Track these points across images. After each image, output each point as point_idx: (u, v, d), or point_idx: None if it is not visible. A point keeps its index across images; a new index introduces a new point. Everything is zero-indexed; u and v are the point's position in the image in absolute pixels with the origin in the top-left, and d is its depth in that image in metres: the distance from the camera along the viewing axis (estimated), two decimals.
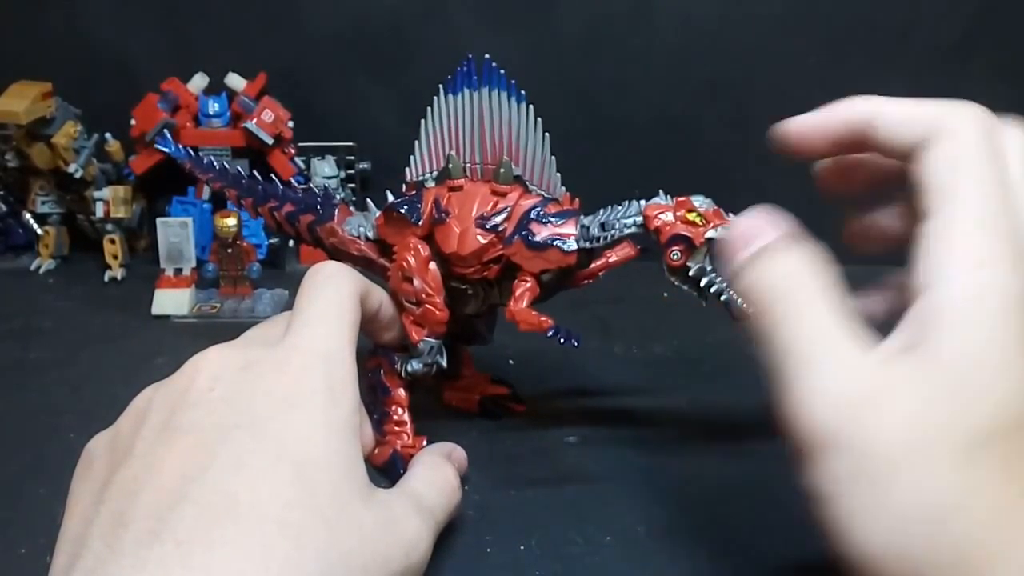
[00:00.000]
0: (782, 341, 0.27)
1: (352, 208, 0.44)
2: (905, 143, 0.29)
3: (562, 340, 0.36)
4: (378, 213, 0.41)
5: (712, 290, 0.36)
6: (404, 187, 0.41)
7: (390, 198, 0.40)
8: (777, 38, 0.69)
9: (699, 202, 0.36)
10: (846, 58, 0.69)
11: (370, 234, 0.42)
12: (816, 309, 0.27)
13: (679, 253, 0.35)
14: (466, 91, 0.37)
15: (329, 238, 0.43)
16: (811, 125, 0.32)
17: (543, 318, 0.36)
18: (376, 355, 0.41)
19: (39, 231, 0.70)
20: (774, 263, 0.29)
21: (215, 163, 0.47)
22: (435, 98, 0.38)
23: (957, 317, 0.25)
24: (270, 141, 0.68)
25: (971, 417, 0.25)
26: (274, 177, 0.46)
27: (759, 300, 0.28)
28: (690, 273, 0.36)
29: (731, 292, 0.35)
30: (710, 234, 0.35)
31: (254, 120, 0.67)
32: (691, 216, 0.36)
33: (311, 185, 0.45)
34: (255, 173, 0.46)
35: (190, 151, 0.48)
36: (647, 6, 0.69)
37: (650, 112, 0.71)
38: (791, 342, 0.27)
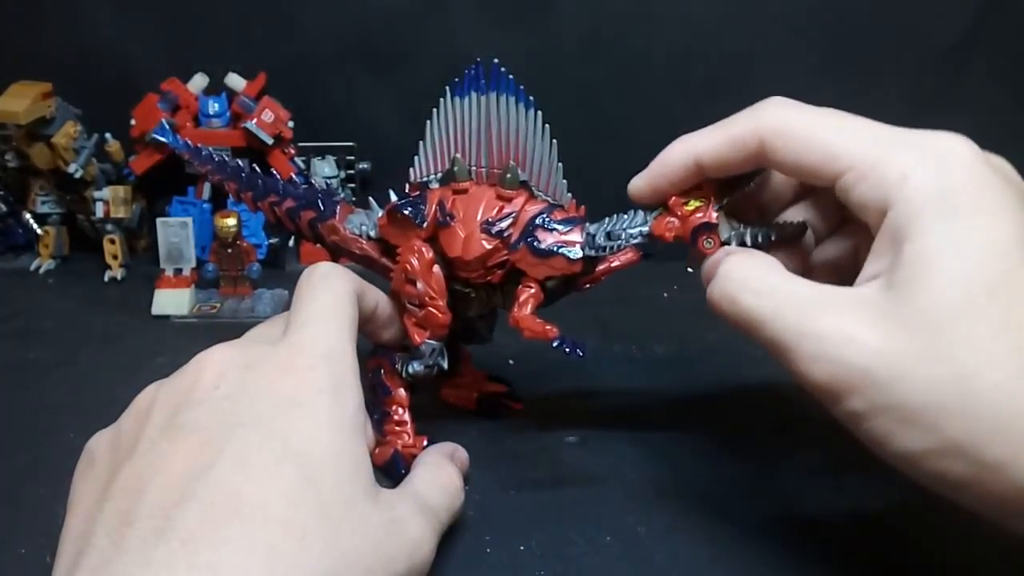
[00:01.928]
0: (769, 319, 0.30)
1: (354, 206, 0.44)
2: (737, 163, 0.33)
3: (567, 350, 0.36)
4: (381, 212, 0.41)
5: (760, 241, 0.35)
6: (407, 187, 0.41)
7: (393, 198, 0.40)
8: (777, 38, 0.69)
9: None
10: (846, 58, 0.69)
11: (372, 233, 0.42)
12: (785, 284, 0.31)
13: (711, 240, 0.36)
14: (473, 94, 0.37)
15: (330, 235, 0.43)
16: (650, 183, 0.36)
17: (548, 327, 0.36)
18: (376, 355, 0.41)
19: (39, 231, 0.70)
20: (736, 263, 0.33)
21: (214, 155, 0.46)
22: (441, 100, 0.38)
23: (909, 228, 0.28)
24: (270, 141, 0.68)
25: (947, 294, 0.26)
26: (275, 171, 0.45)
27: (736, 292, 0.31)
28: (733, 245, 0.36)
29: (774, 227, 0.36)
30: (717, 204, 0.35)
31: (254, 120, 0.67)
32: (689, 207, 0.36)
33: (312, 182, 0.45)
34: (255, 167, 0.45)
35: (189, 142, 0.47)
36: (647, 6, 0.69)
37: (650, 112, 0.71)
38: (776, 318, 0.29)
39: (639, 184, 0.36)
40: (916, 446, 0.26)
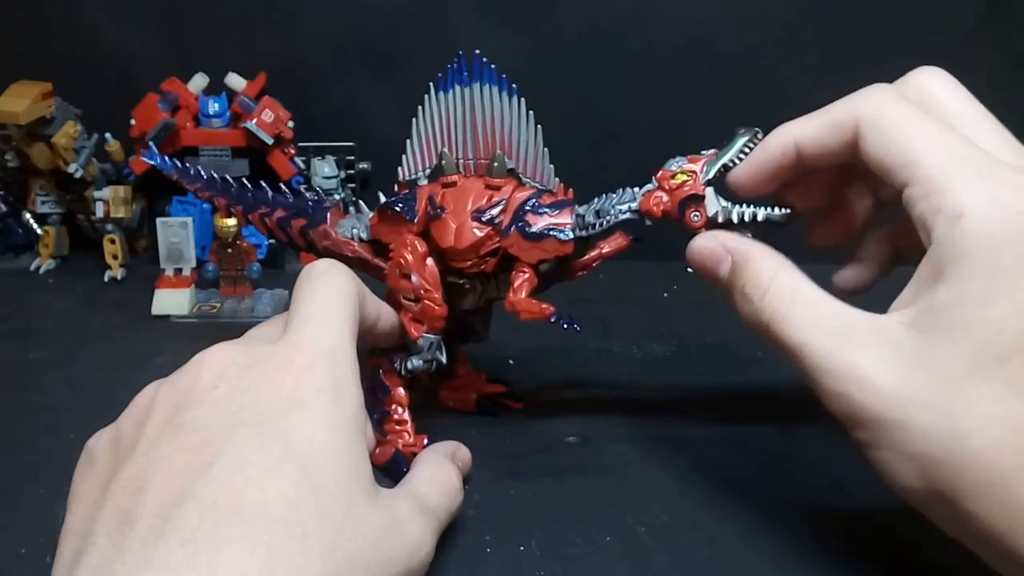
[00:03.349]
0: (798, 354, 0.30)
1: (349, 209, 0.44)
2: (835, 149, 0.32)
3: (564, 325, 0.36)
4: (371, 214, 0.41)
5: (747, 220, 0.35)
6: (396, 186, 0.41)
7: (382, 199, 0.41)
8: (777, 38, 0.69)
9: (674, 165, 0.37)
10: (846, 57, 0.69)
11: (364, 235, 0.42)
12: (811, 310, 0.31)
13: (697, 214, 0.36)
14: (457, 88, 0.38)
15: (322, 241, 0.43)
16: (750, 171, 0.35)
17: (544, 305, 0.37)
18: (375, 355, 0.41)
19: (39, 231, 0.70)
20: (750, 269, 0.33)
21: (202, 173, 0.47)
22: (426, 96, 0.39)
23: (948, 270, 0.27)
24: (270, 141, 0.68)
25: (964, 351, 0.26)
26: (263, 183, 0.46)
27: (780, 324, 0.31)
28: (719, 220, 0.36)
29: (762, 208, 0.35)
30: (704, 178, 0.36)
31: (254, 120, 0.67)
32: (677, 180, 0.36)
33: (301, 189, 0.45)
34: (244, 180, 0.46)
35: (176, 162, 0.48)
36: (647, 6, 0.69)
37: (650, 112, 0.71)
38: (804, 352, 0.30)
39: (739, 173, 0.35)
40: (906, 483, 0.28)
